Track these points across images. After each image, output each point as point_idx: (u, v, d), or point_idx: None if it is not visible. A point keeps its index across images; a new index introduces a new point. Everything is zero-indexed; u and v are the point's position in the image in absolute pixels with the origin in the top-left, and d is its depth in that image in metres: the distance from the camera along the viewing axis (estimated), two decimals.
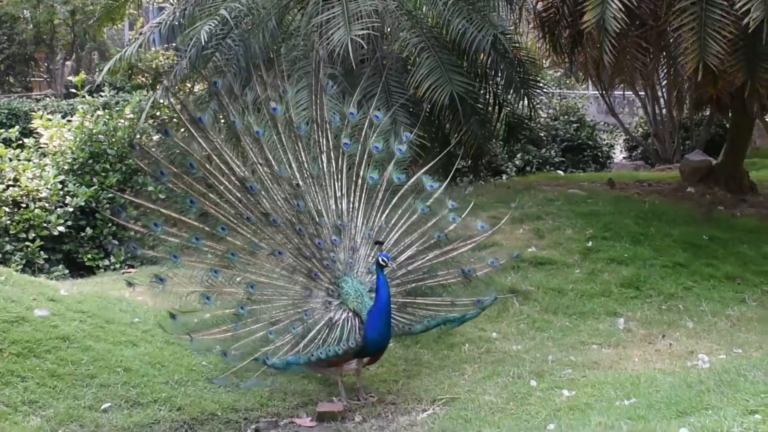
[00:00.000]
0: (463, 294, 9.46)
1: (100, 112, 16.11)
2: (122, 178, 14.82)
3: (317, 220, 9.00)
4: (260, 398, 8.77)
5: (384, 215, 9.30)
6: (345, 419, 8.45)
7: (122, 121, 15.80)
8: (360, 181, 9.34)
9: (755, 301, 11.62)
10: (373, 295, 8.61)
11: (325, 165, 9.27)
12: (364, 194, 9.33)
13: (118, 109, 16.92)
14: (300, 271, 8.96)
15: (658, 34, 13.86)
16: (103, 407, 8.16)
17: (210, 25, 13.73)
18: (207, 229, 9.06)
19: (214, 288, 8.99)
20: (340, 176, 9.29)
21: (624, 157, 26.76)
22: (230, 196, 9.01)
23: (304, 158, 9.21)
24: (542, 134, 24.06)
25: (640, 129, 26.64)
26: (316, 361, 8.54)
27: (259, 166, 9.12)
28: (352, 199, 9.27)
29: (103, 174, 14.72)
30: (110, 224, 14.25)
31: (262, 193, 9.01)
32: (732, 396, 6.34)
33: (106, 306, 10.47)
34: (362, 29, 12.83)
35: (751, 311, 11.26)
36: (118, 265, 14.10)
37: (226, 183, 9.01)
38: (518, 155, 23.01)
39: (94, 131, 15.06)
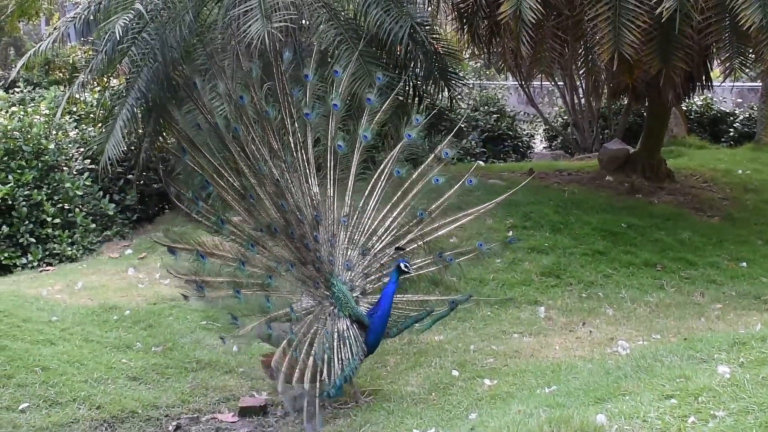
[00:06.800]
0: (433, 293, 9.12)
1: (14, 108, 15.86)
2: (38, 175, 14.54)
3: (299, 216, 8.41)
4: (181, 395, 8.72)
5: (353, 193, 8.77)
6: (267, 413, 8.42)
7: (38, 117, 15.55)
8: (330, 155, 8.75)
9: (673, 287, 11.82)
10: (356, 294, 8.40)
11: (293, 148, 8.60)
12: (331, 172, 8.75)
13: (33, 105, 16.64)
14: (309, 280, 8.46)
15: (575, 24, 13.96)
16: (20, 407, 8.04)
17: (125, 19, 13.61)
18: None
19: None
20: (305, 158, 8.65)
21: (544, 147, 26.92)
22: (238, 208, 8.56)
23: (277, 146, 8.53)
24: (462, 125, 24.14)
25: (560, 119, 26.87)
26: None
27: (245, 170, 8.48)
28: (320, 182, 8.66)
29: (18, 171, 14.40)
30: (27, 222, 14.02)
31: (258, 202, 8.48)
32: (649, 381, 6.39)
33: (23, 305, 10.34)
34: (280, 22, 12.77)
35: (670, 297, 11.45)
36: (35, 263, 13.86)
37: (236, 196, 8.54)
38: (438, 146, 22.99)
39: (8, 128, 14.77)
